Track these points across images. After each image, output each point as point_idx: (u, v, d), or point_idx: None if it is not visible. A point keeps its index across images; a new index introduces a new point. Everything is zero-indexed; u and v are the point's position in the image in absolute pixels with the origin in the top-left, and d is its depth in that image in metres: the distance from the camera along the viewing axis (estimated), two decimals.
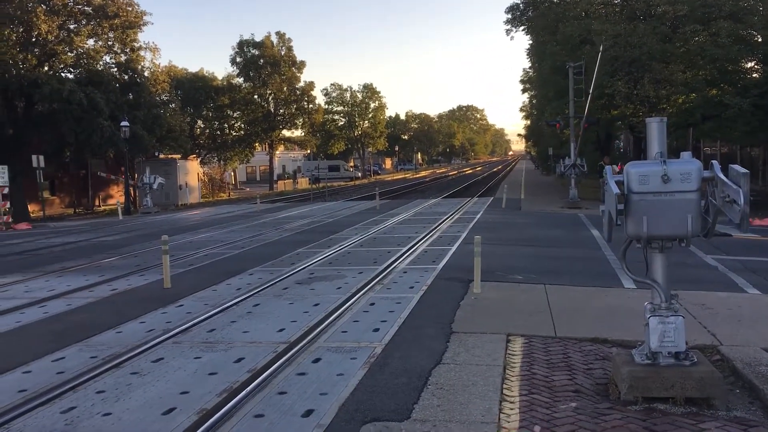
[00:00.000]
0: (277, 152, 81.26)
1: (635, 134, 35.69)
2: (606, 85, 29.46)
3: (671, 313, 5.74)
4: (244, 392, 5.98)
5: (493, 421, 5.25)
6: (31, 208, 37.67)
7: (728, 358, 6.73)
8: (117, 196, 45.88)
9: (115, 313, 9.63)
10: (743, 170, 5.27)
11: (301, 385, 6.17)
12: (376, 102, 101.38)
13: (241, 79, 66.01)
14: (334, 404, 5.66)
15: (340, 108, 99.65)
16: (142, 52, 42.46)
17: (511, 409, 5.54)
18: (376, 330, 8.10)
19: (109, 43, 40.84)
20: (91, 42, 39.90)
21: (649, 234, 5.67)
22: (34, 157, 33.09)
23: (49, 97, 34.31)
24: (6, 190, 29.64)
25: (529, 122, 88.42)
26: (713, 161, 5.76)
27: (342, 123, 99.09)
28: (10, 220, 29.91)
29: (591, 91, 28.25)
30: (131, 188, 42.09)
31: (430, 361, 6.80)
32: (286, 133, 73.09)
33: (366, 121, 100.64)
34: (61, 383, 6.44)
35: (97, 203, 46.60)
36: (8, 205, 30.25)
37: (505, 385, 6.09)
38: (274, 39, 66.79)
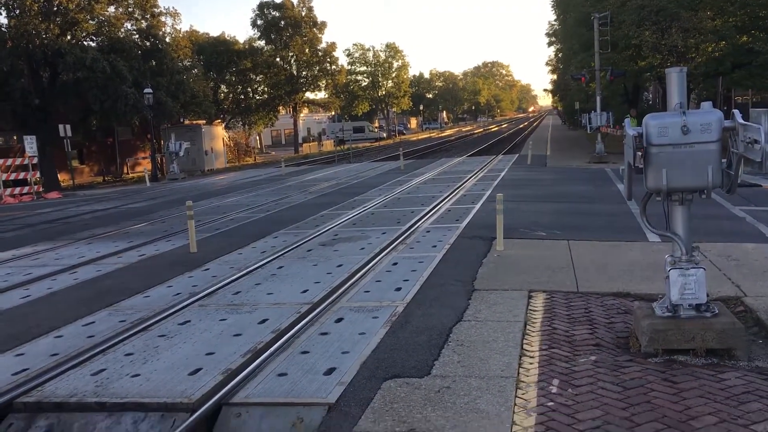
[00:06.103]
0: (302, 115, 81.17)
1: (664, 85, 34.90)
2: (633, 36, 28.74)
3: (692, 265, 5.69)
4: (267, 352, 6.09)
5: (512, 375, 5.30)
6: (61, 177, 38.33)
7: (752, 308, 6.68)
8: (144, 163, 46.36)
9: (143, 277, 9.82)
10: (764, 109, 5.16)
11: (324, 345, 6.27)
12: (399, 61, 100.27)
13: (263, 42, 65.66)
14: (355, 362, 5.75)
15: (363, 68, 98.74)
16: (162, 18, 42.59)
17: (531, 363, 5.58)
18: (398, 289, 8.16)
19: (130, 9, 40.93)
20: (111, 9, 40.07)
21: (669, 186, 5.60)
22: (60, 126, 33.57)
23: (73, 66, 34.64)
24: (35, 160, 30.08)
25: (555, 77, 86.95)
26: (734, 110, 5.62)
27: (365, 83, 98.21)
28: (41, 189, 30.47)
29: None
30: (158, 155, 42.46)
31: (451, 319, 6.85)
32: (309, 95, 72.95)
33: (390, 81, 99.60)
34: (91, 347, 6.62)
35: (125, 171, 47.20)
36: (38, 174, 30.75)
37: (525, 341, 6.12)
38: (295, 0, 66.13)
